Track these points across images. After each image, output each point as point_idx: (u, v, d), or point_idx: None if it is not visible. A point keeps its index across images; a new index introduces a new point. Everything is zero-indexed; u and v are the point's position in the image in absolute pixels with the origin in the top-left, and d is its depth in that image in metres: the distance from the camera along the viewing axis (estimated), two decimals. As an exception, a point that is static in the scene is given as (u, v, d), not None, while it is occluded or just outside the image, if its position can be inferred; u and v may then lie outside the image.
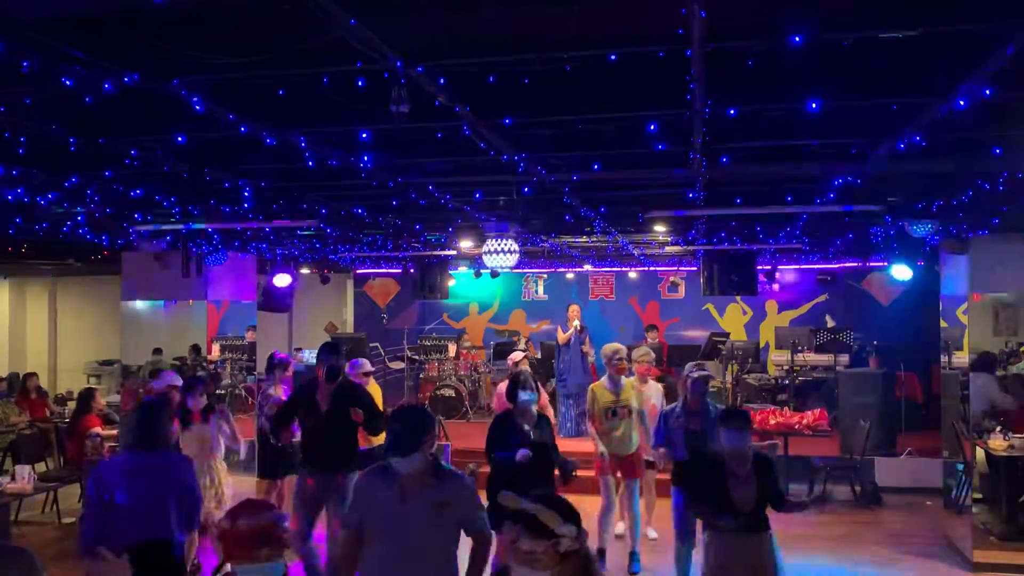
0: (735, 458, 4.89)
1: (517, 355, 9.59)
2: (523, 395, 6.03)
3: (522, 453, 5.85)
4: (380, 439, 8.65)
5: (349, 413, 6.39)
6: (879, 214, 7.69)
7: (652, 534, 8.38)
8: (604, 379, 7.79)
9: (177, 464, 4.83)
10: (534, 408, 6.13)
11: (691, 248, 11.59)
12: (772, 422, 10.13)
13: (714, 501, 4.88)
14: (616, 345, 7.91)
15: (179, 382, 7.59)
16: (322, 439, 6.44)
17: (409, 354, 14.43)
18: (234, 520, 3.03)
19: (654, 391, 8.43)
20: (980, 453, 8.10)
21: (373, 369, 9.20)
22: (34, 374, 13.26)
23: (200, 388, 7.59)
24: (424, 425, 3.75)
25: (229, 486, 7.40)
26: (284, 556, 3.24)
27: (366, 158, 5.55)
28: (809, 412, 10.38)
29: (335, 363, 6.59)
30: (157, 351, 10.93)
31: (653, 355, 9.00)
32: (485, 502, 6.18)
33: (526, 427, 6.05)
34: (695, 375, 6.55)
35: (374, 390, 8.88)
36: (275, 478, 8.59)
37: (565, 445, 11.18)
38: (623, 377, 7.67)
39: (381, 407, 8.94)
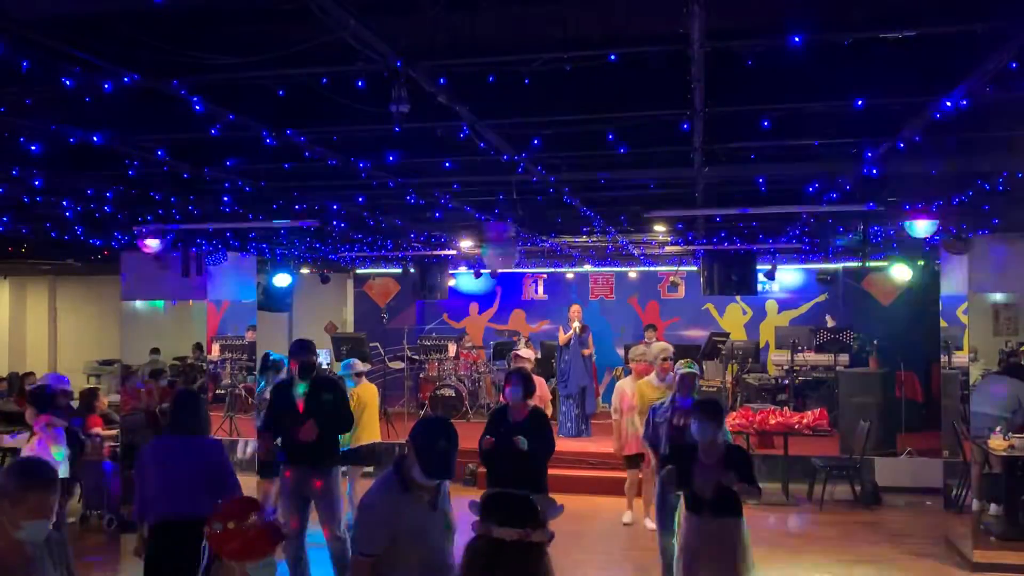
0: (704, 448, 5.22)
1: (522, 351, 9.70)
2: (505, 391, 6.46)
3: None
4: (371, 436, 8.71)
5: (323, 410, 6.45)
6: (879, 214, 7.69)
7: (650, 524, 8.44)
8: (652, 376, 8.05)
9: (210, 448, 5.21)
10: (529, 403, 6.39)
11: (691, 248, 11.59)
12: (772, 422, 10.13)
13: (682, 485, 5.28)
14: (664, 343, 8.38)
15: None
16: (297, 435, 6.45)
17: (409, 354, 14.42)
18: (228, 520, 2.97)
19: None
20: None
21: (365, 369, 9.20)
22: (31, 373, 13.25)
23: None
24: (457, 438, 3.61)
25: None
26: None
27: (366, 158, 5.55)
28: (809, 412, 10.38)
29: (306, 359, 6.62)
30: (155, 351, 10.93)
31: (649, 353, 9.11)
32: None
33: (511, 420, 6.33)
34: (682, 372, 6.76)
35: (369, 390, 8.87)
36: (275, 476, 8.67)
37: (565, 445, 11.22)
38: (670, 374, 7.92)
39: (376, 407, 8.98)
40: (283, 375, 9.08)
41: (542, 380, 9.46)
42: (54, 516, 3.13)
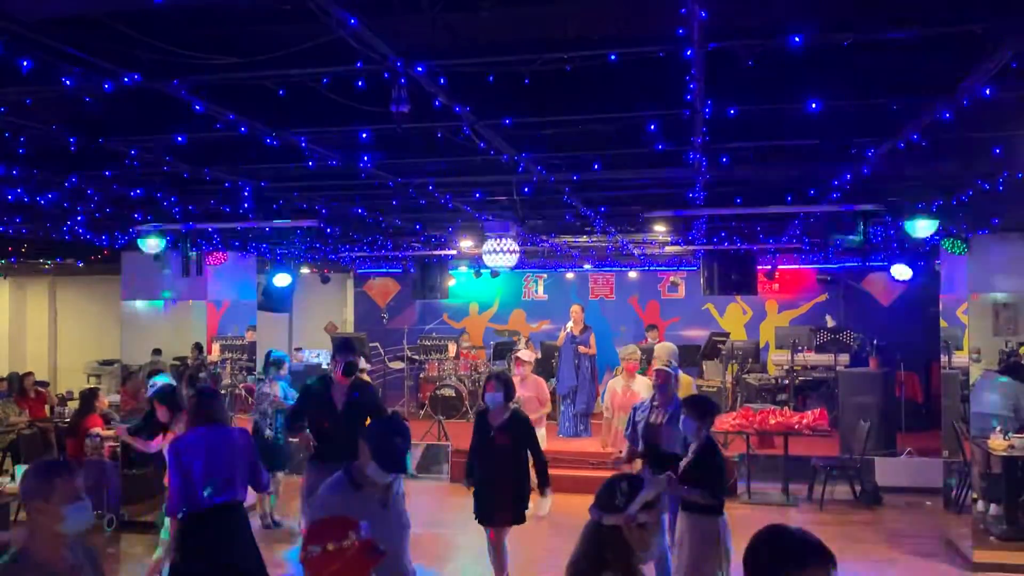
0: (691, 442, 5.44)
1: (523, 353, 9.71)
2: (485, 396, 6.48)
3: None
4: None
5: (363, 409, 6.53)
6: (879, 214, 7.68)
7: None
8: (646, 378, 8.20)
9: (239, 435, 5.52)
10: (510, 406, 6.45)
11: (691, 248, 11.58)
12: (772, 422, 10.13)
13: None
14: (666, 344, 8.83)
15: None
16: (338, 435, 6.51)
17: (409, 354, 14.42)
18: (326, 542, 2.81)
19: (642, 386, 8.65)
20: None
21: (368, 367, 9.29)
22: (30, 373, 13.25)
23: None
24: (410, 434, 3.80)
25: None
26: None
27: (366, 158, 5.55)
28: (809, 412, 10.37)
29: (353, 359, 6.85)
30: (156, 351, 10.93)
31: (640, 353, 9.15)
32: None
33: (491, 423, 6.38)
34: (656, 369, 6.84)
35: None
36: (272, 471, 8.84)
37: (564, 445, 11.23)
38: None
39: None
40: (284, 372, 9.18)
41: (541, 381, 9.46)
42: (87, 500, 3.15)
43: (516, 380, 7.74)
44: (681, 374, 8.89)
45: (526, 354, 9.64)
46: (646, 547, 2.75)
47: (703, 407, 5.47)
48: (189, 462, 5.23)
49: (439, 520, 9.13)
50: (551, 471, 6.56)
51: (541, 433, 8.38)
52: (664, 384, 6.68)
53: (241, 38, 3.61)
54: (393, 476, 3.69)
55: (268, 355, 9.43)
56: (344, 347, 6.97)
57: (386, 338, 15.14)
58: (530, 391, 8.92)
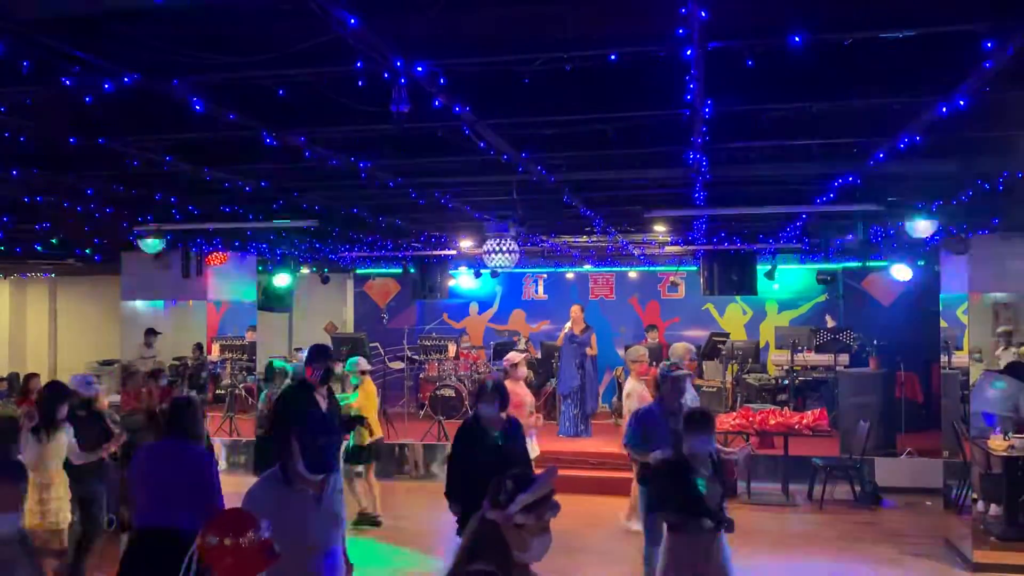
0: (699, 460, 4.97)
1: (515, 356, 9.52)
2: (480, 407, 5.77)
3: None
4: (377, 433, 8.82)
5: (338, 413, 6.50)
6: (879, 214, 7.69)
7: (636, 526, 8.45)
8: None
9: (198, 457, 4.85)
10: (503, 415, 5.77)
11: (691, 248, 11.59)
12: (772, 422, 10.13)
13: (687, 503, 4.92)
14: (687, 344, 8.36)
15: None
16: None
17: (409, 354, 14.42)
18: (224, 535, 2.84)
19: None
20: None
21: (371, 368, 9.26)
22: (36, 375, 13.23)
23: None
24: (339, 435, 3.80)
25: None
26: None
27: (366, 158, 5.56)
28: (809, 412, 10.36)
29: (331, 366, 6.50)
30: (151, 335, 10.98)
31: (648, 355, 9.07)
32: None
33: (493, 432, 5.72)
34: (674, 375, 6.36)
35: (370, 388, 8.91)
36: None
37: (564, 445, 11.24)
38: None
39: (377, 405, 9.04)
40: (288, 382, 9.16)
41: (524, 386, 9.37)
42: (22, 511, 3.09)
43: (509, 384, 7.54)
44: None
45: (517, 356, 9.47)
46: (524, 548, 2.67)
47: (707, 419, 5.15)
48: (137, 474, 4.76)
49: (438, 520, 9.13)
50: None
51: (532, 441, 8.25)
52: (683, 388, 6.42)
53: (241, 38, 3.61)
54: (323, 474, 3.66)
55: (270, 366, 9.45)
56: (322, 354, 6.52)
57: (386, 338, 15.12)
58: (522, 394, 8.86)
